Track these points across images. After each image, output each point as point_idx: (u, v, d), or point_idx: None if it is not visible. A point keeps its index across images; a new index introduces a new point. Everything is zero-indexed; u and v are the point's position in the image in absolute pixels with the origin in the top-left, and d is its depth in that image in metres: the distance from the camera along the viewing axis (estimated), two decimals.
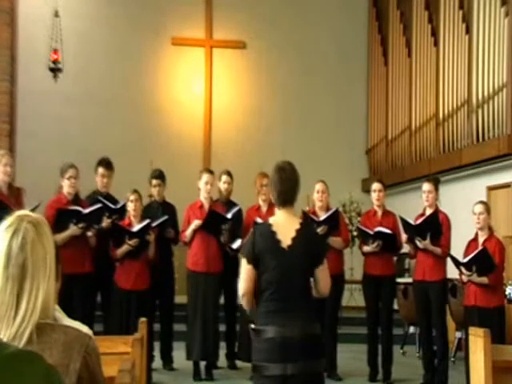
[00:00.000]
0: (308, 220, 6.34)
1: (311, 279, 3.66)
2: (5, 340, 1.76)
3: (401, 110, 11.72)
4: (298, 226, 3.63)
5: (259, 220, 6.81)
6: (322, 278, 3.65)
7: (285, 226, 3.63)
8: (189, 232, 6.88)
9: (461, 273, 6.10)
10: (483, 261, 5.89)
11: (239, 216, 7.30)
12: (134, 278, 6.51)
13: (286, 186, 3.67)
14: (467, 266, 5.97)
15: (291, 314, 3.52)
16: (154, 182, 7.39)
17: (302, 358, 3.47)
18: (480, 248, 5.98)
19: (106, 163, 7.07)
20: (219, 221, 6.83)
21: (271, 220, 3.71)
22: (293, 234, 3.60)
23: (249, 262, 3.59)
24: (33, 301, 1.83)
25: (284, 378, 3.44)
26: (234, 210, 7.04)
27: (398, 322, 8.14)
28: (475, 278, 5.95)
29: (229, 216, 6.87)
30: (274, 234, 3.59)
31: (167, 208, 7.29)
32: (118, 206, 6.75)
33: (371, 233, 6.88)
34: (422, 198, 6.71)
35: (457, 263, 6.08)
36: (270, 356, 3.47)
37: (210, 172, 7.17)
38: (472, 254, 5.96)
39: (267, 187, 7.10)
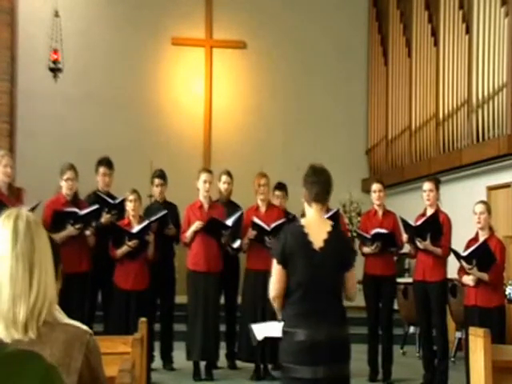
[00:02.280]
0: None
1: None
2: (21, 316, 1.80)
3: (401, 110, 11.72)
4: (329, 229, 3.64)
5: (256, 219, 6.83)
6: (349, 281, 3.68)
7: (317, 227, 3.63)
8: (189, 233, 6.87)
9: (462, 267, 6.08)
10: (483, 255, 5.89)
11: (239, 217, 7.30)
12: (133, 278, 6.51)
13: (322, 182, 3.71)
14: (468, 259, 5.96)
15: (321, 316, 3.52)
16: (157, 181, 7.39)
17: (331, 360, 3.48)
18: (480, 241, 5.98)
19: (107, 162, 7.12)
20: (219, 227, 6.82)
21: (303, 221, 3.71)
22: (325, 236, 3.60)
23: (278, 262, 3.59)
24: (44, 277, 1.86)
25: (315, 381, 3.45)
26: (236, 216, 6.97)
27: (398, 322, 8.14)
28: (475, 271, 5.94)
29: (229, 223, 6.83)
30: (305, 235, 3.58)
31: (169, 208, 7.28)
32: (117, 201, 6.78)
33: (369, 236, 6.89)
34: (423, 198, 6.70)
35: (458, 257, 6.08)
36: (300, 359, 3.47)
37: (208, 171, 7.18)
38: (473, 247, 5.95)
39: (265, 187, 7.11)
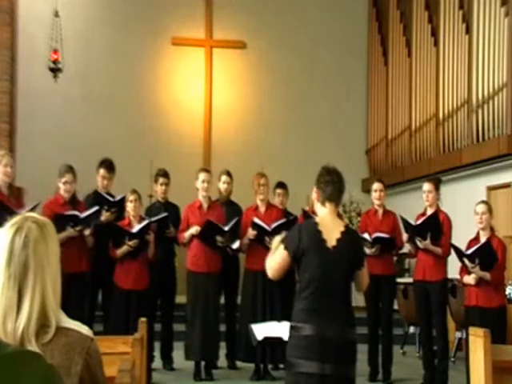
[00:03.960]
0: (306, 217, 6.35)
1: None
2: (9, 333, 1.81)
3: (401, 110, 11.72)
4: (342, 229, 3.68)
5: (256, 220, 6.82)
6: (362, 279, 3.78)
7: (330, 226, 3.67)
8: (187, 235, 6.87)
9: (464, 265, 6.08)
10: (486, 254, 5.88)
11: (239, 216, 7.29)
12: (134, 277, 6.52)
13: (336, 182, 3.76)
14: (470, 258, 5.96)
15: (331, 314, 3.54)
16: (162, 179, 7.37)
17: (338, 359, 3.49)
18: (484, 239, 5.97)
19: (108, 164, 7.06)
20: (215, 231, 6.79)
21: (317, 219, 3.75)
22: (338, 235, 3.64)
23: (289, 254, 3.61)
24: (36, 299, 1.85)
25: (321, 376, 3.46)
26: (232, 222, 6.92)
27: (398, 322, 8.14)
28: (478, 270, 5.93)
29: (226, 228, 6.80)
30: (319, 233, 3.62)
31: (170, 209, 7.28)
32: (117, 198, 6.76)
33: (370, 240, 6.88)
34: (423, 198, 6.70)
35: (460, 254, 6.06)
36: (307, 353, 3.48)
37: (207, 171, 7.18)
38: (476, 246, 5.95)
39: (264, 187, 7.11)
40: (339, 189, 3.78)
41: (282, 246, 3.66)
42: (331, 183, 3.73)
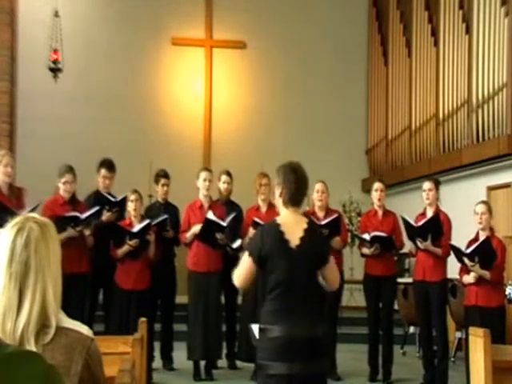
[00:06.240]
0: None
1: (320, 278, 3.66)
2: (9, 332, 1.83)
3: (401, 110, 11.73)
4: (305, 226, 3.62)
5: (258, 220, 6.81)
6: (330, 275, 3.68)
7: (293, 225, 3.61)
8: (189, 234, 6.87)
9: (463, 264, 6.08)
10: (485, 252, 5.88)
11: (239, 216, 7.30)
12: (135, 277, 6.52)
13: (302, 185, 3.68)
14: (470, 257, 5.96)
15: (298, 313, 3.51)
16: (163, 180, 7.40)
17: (307, 357, 3.46)
18: (483, 238, 5.97)
19: (109, 164, 7.07)
20: (215, 229, 6.78)
21: (279, 220, 3.67)
22: (301, 233, 3.58)
23: (254, 260, 3.57)
24: (37, 299, 1.86)
25: (290, 377, 3.44)
26: (230, 216, 6.94)
27: (398, 322, 8.14)
28: (477, 269, 5.93)
29: (224, 224, 6.81)
30: (282, 234, 3.57)
31: (170, 209, 7.29)
32: (118, 198, 6.77)
33: (368, 239, 6.88)
34: (423, 197, 6.70)
35: (459, 254, 6.06)
36: (275, 355, 3.45)
37: (208, 170, 7.20)
38: (475, 244, 5.95)
39: (266, 187, 7.11)
40: (306, 194, 3.73)
41: (246, 254, 3.63)
42: (302, 191, 3.66)
